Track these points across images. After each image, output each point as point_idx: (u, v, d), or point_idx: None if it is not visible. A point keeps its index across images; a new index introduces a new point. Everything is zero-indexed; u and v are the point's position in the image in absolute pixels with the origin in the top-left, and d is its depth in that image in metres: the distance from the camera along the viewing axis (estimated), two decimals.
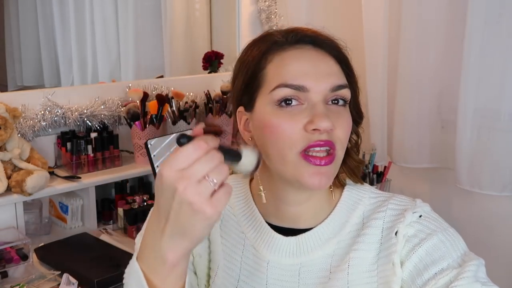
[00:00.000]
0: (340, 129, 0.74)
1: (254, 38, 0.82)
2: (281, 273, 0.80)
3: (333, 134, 0.73)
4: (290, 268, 0.80)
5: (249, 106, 0.78)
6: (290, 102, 0.73)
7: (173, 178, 0.59)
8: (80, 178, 1.57)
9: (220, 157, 0.59)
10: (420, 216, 0.77)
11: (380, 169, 2.02)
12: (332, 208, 0.82)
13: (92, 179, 1.60)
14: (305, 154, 0.72)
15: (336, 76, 0.76)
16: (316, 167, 0.72)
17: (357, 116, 0.82)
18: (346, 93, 0.76)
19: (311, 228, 0.80)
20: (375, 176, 1.98)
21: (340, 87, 0.75)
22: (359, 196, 0.83)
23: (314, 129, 0.71)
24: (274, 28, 2.11)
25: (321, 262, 0.79)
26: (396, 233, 0.75)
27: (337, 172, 0.78)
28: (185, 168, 0.59)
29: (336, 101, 0.76)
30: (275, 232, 0.81)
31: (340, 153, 0.75)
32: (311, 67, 0.74)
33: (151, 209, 0.69)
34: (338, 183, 0.84)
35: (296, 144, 0.72)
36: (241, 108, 0.80)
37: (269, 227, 0.82)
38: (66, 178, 1.56)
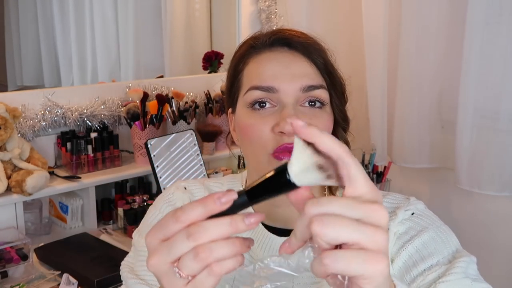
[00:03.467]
0: None
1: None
2: None
3: None
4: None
5: (233, 108, 0.80)
6: (264, 104, 0.73)
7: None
8: (80, 178, 1.57)
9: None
10: (413, 214, 0.76)
11: (380, 169, 2.02)
12: None
13: (92, 179, 1.60)
14: (276, 154, 0.71)
15: (309, 77, 0.74)
16: None
17: (342, 122, 0.79)
18: (321, 94, 0.74)
19: None
20: (375, 176, 1.98)
21: (312, 87, 0.73)
22: None
23: (280, 132, 0.71)
24: (274, 27, 2.12)
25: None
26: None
27: None
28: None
29: (312, 103, 0.74)
30: (269, 232, 0.80)
31: None
32: (283, 68, 0.74)
33: None
34: None
35: (266, 145, 0.72)
36: (229, 110, 0.82)
37: (263, 227, 0.80)
38: (66, 178, 1.56)
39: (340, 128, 0.78)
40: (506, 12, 1.63)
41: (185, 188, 0.87)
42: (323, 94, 0.74)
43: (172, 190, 0.86)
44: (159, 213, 0.86)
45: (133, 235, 0.88)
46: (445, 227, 0.76)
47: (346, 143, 0.79)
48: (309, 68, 0.75)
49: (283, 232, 0.80)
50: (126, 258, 0.85)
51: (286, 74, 0.73)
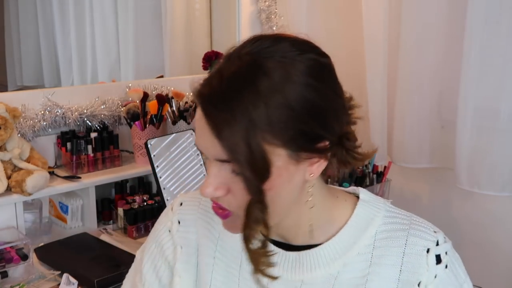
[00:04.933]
0: (231, 195, 0.69)
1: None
2: None
3: (223, 198, 0.69)
4: (291, 284, 0.77)
5: None
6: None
7: None
8: (80, 178, 1.57)
9: None
10: (446, 267, 0.74)
11: (380, 169, 2.02)
12: (339, 227, 0.77)
13: (92, 179, 1.60)
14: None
15: (213, 149, 0.66)
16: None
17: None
18: (232, 166, 0.67)
19: (315, 245, 0.77)
20: (375, 176, 1.98)
21: (220, 160, 0.67)
22: (372, 214, 0.77)
23: None
24: (273, 28, 2.11)
25: (323, 281, 0.76)
26: (419, 284, 0.73)
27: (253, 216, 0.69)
28: None
29: None
30: (275, 247, 0.78)
31: (239, 211, 0.69)
32: (199, 133, 0.69)
33: None
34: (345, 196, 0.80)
35: None
36: None
37: (269, 242, 0.77)
38: (66, 178, 1.56)
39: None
40: (506, 12, 1.63)
41: (180, 204, 0.87)
42: (233, 166, 0.66)
43: (164, 222, 0.87)
44: (155, 247, 0.87)
45: (137, 252, 0.90)
46: (468, 280, 0.77)
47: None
48: (210, 139, 0.66)
49: (291, 247, 0.78)
50: (129, 272, 0.89)
51: (201, 141, 0.69)
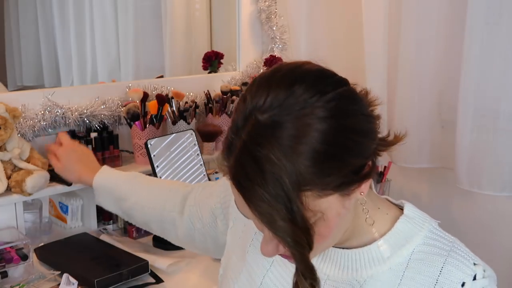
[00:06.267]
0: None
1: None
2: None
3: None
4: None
5: None
6: None
7: None
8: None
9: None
10: None
11: (380, 169, 2.02)
12: (374, 238, 0.75)
13: None
14: None
15: (254, 219, 0.66)
16: None
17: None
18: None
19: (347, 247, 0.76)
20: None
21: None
22: (412, 232, 0.75)
23: None
24: (273, 28, 2.11)
25: (348, 284, 0.75)
26: None
27: None
28: None
29: None
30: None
31: None
32: (236, 201, 0.69)
33: None
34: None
35: None
36: None
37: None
38: (58, 181, 1.53)
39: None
40: (506, 12, 1.62)
41: None
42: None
43: None
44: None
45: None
46: None
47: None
48: (249, 211, 0.65)
49: None
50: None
51: (240, 209, 0.69)
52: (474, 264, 0.73)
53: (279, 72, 0.67)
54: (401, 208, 0.79)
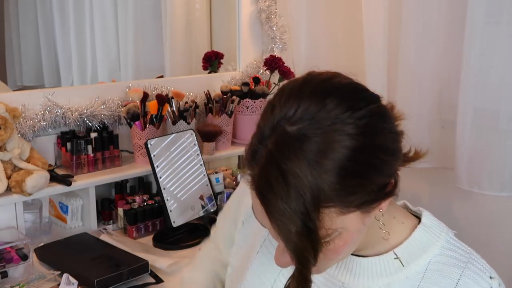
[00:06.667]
0: None
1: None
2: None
3: None
4: (333, 281, 0.76)
5: None
6: None
7: None
8: (72, 176, 1.56)
9: None
10: None
11: None
12: (389, 248, 0.75)
13: (92, 179, 1.60)
14: None
15: (271, 231, 0.67)
16: None
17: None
18: None
19: (362, 255, 0.76)
20: None
21: None
22: (429, 241, 0.74)
23: None
24: (273, 28, 2.11)
25: None
26: None
27: None
28: None
29: None
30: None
31: None
32: (255, 212, 0.69)
33: None
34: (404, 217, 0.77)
35: None
36: None
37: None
38: (58, 181, 1.53)
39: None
40: (506, 12, 1.62)
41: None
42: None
43: (243, 186, 0.91)
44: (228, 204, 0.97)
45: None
46: None
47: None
48: (269, 224, 0.65)
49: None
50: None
51: (260, 221, 0.69)
52: (491, 277, 0.73)
53: (310, 82, 0.66)
54: (416, 216, 0.79)
